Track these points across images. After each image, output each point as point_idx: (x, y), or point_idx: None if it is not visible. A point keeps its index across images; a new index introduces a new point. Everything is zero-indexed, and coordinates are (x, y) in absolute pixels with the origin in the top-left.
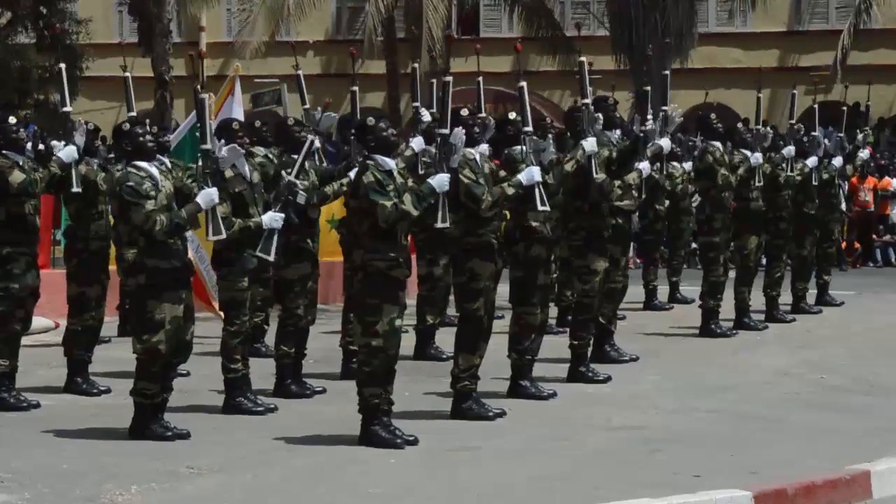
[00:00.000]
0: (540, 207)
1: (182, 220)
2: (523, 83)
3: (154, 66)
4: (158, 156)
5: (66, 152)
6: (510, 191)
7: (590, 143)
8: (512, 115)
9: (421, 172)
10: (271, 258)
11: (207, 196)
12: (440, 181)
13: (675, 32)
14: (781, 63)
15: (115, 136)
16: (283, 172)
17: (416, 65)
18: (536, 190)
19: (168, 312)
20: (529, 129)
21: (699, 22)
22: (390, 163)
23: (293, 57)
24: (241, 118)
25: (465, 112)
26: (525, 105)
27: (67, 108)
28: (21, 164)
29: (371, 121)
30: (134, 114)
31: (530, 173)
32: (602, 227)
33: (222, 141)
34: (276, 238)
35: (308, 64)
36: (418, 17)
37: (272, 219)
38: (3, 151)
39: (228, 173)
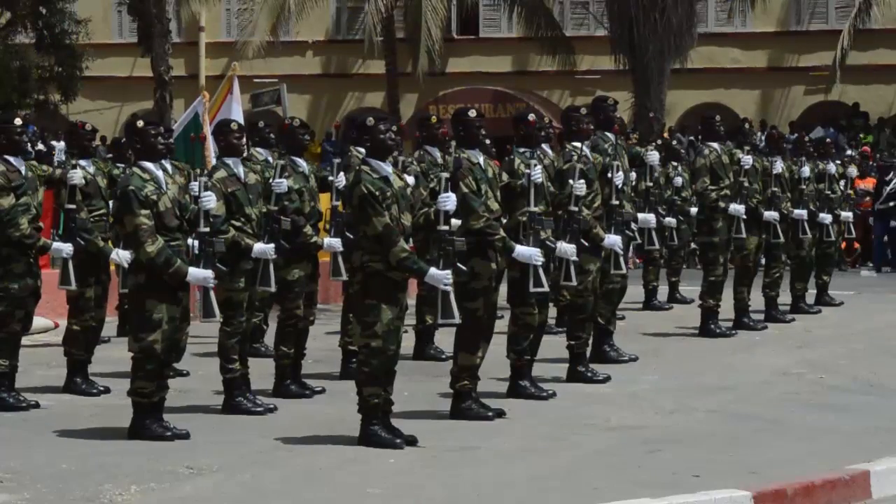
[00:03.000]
0: (532, 288)
1: (171, 265)
2: None
3: (154, 66)
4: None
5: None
6: (499, 238)
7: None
8: (531, 117)
9: (431, 183)
10: (272, 288)
11: (199, 275)
12: (433, 276)
13: (674, 32)
14: (781, 63)
15: (127, 131)
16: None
17: None
18: (531, 269)
19: (166, 313)
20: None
21: (699, 22)
22: (386, 168)
23: (293, 57)
24: (240, 118)
25: (472, 114)
26: None
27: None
28: (14, 183)
29: (370, 121)
30: None
31: (529, 253)
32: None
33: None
34: (271, 268)
35: (308, 64)
36: (418, 17)
37: (262, 251)
38: (5, 156)
39: (222, 173)
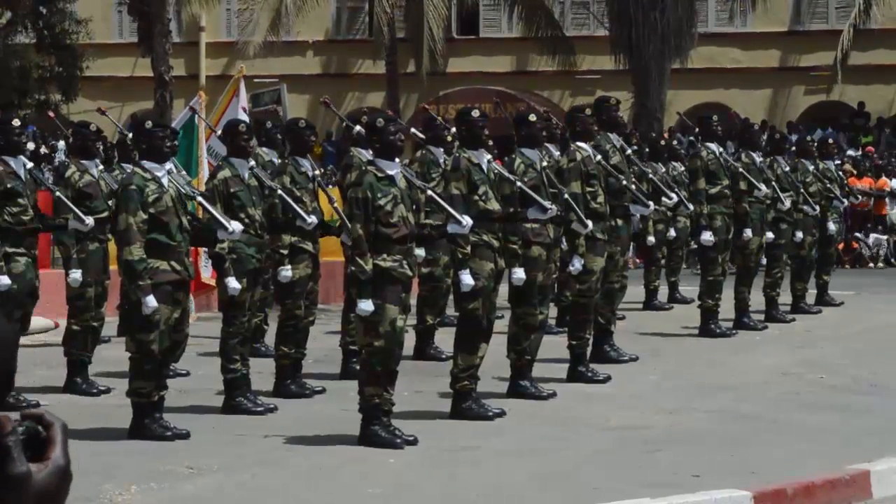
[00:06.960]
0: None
1: (141, 280)
2: None
3: (154, 66)
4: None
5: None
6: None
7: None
8: (532, 117)
9: (434, 177)
10: (309, 222)
11: (151, 305)
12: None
13: (674, 32)
14: (781, 63)
15: (136, 131)
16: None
17: None
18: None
19: (163, 313)
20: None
21: (699, 22)
22: (393, 167)
23: (293, 57)
24: (247, 120)
25: (475, 114)
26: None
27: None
28: (8, 185)
29: (381, 122)
30: None
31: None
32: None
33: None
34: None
35: (308, 64)
36: (419, 16)
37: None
38: (3, 157)
39: (226, 173)
